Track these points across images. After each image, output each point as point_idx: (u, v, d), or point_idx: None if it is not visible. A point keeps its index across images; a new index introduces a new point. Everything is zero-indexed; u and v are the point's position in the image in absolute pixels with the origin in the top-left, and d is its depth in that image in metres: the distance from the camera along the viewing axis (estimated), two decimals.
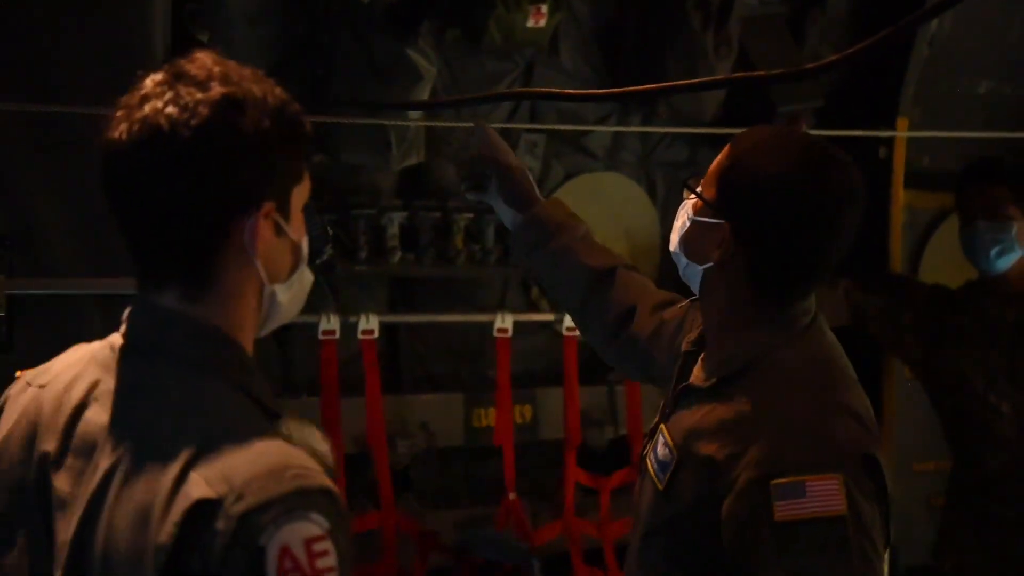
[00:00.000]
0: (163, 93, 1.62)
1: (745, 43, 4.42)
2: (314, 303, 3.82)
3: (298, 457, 1.57)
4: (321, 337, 3.81)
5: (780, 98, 4.47)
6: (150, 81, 1.66)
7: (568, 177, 4.47)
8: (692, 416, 2.24)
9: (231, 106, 1.62)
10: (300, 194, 1.73)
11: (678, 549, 2.23)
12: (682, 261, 2.33)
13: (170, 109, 1.60)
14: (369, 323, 3.89)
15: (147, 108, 1.62)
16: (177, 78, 1.64)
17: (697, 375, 2.30)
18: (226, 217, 1.64)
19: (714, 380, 2.23)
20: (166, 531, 1.51)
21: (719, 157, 2.27)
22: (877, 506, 2.11)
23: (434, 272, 4.13)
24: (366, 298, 4.14)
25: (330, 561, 1.51)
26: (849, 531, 2.03)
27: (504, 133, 4.19)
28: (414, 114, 3.89)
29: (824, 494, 2.03)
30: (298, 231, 1.74)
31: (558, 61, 4.33)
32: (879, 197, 4.63)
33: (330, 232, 3.35)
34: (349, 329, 3.88)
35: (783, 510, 2.03)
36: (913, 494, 4.76)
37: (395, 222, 4.00)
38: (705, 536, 2.14)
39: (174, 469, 1.54)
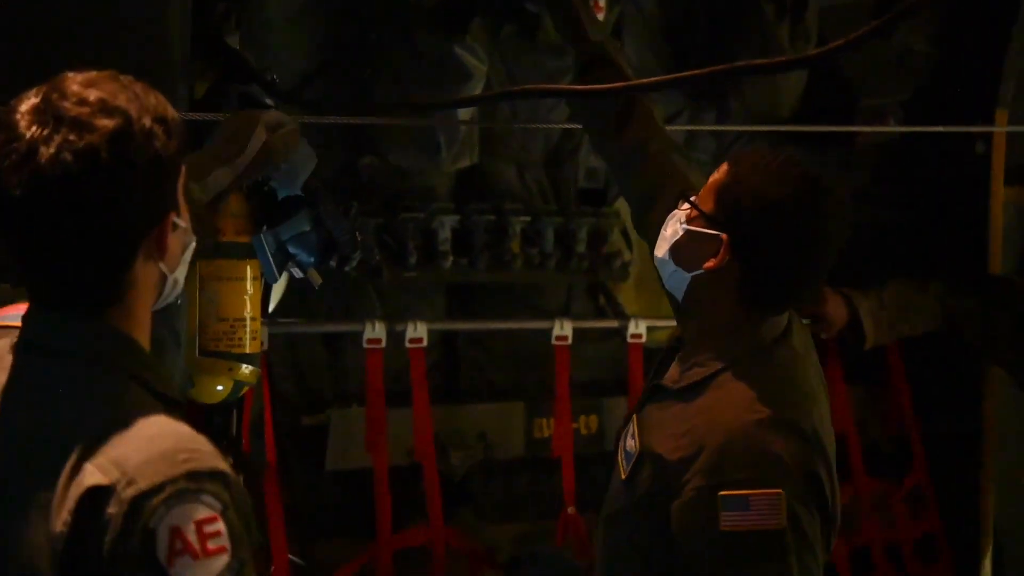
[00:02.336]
0: (49, 139, 1.63)
1: (825, 35, 4.20)
2: (361, 312, 3.84)
3: (192, 440, 1.62)
4: (366, 346, 3.69)
5: (865, 91, 4.34)
6: (31, 128, 1.65)
7: None
8: (658, 414, 2.42)
9: (119, 143, 1.65)
10: (181, 179, 1.80)
11: (636, 535, 2.41)
12: (669, 268, 2.48)
13: (65, 156, 1.62)
14: (417, 331, 3.75)
15: (38, 159, 1.63)
16: (58, 120, 1.65)
17: (671, 375, 2.46)
18: (132, 243, 1.71)
19: (682, 384, 2.40)
20: (61, 520, 1.56)
21: (718, 174, 2.43)
22: (820, 521, 2.29)
23: (490, 278, 4.05)
24: (423, 305, 4.05)
25: (222, 542, 1.56)
26: (789, 543, 2.22)
27: (567, 133, 4.19)
28: (464, 115, 3.77)
29: (766, 508, 2.21)
30: (184, 212, 1.81)
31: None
32: (976, 195, 4.39)
33: (358, 237, 3.29)
34: (400, 338, 3.77)
35: (728, 521, 2.22)
36: (1020, 510, 4.50)
37: (447, 226, 3.91)
38: (657, 527, 2.33)
39: (70, 462, 1.58)
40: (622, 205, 4.24)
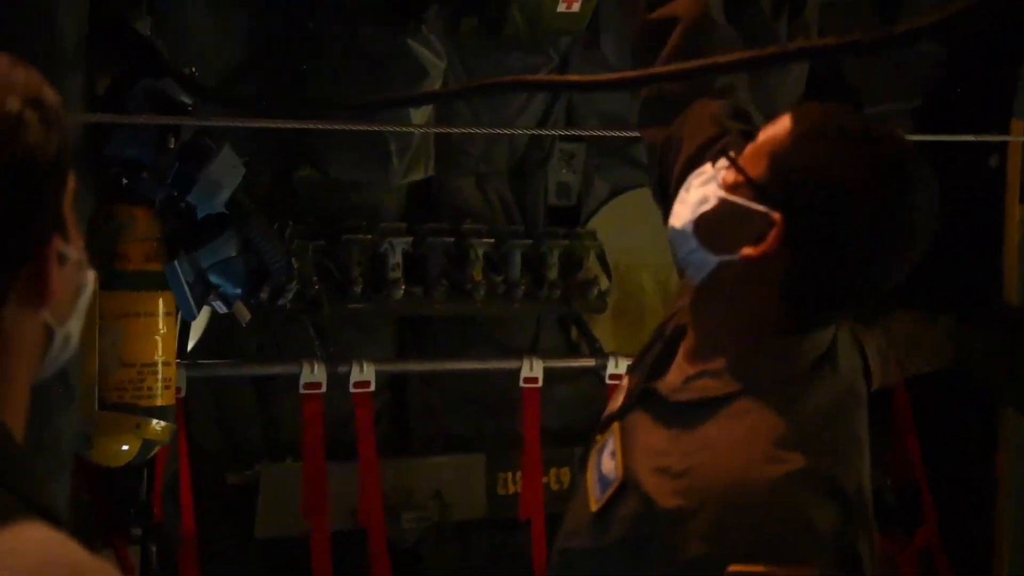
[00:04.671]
0: None
1: (825, 32, 3.93)
2: (297, 350, 3.55)
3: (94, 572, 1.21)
4: (303, 391, 3.42)
5: (869, 96, 4.07)
6: None
7: (615, 194, 4.18)
8: (648, 431, 1.95)
9: None
10: (68, 194, 1.37)
11: None
12: (690, 244, 1.96)
13: None
14: (363, 373, 3.46)
15: None
16: None
17: (671, 379, 1.97)
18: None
19: (685, 398, 1.94)
20: None
21: (773, 128, 1.91)
22: None
23: (448, 310, 3.79)
24: (369, 342, 3.76)
25: None
26: None
27: (536, 140, 3.99)
28: (418, 119, 3.42)
29: None
30: (76, 239, 1.38)
31: (599, 53, 3.87)
32: (989, 214, 4.15)
33: (294, 264, 2.97)
34: (342, 381, 3.49)
35: None
36: None
37: (397, 249, 3.62)
38: None
39: None
40: (597, 225, 4.05)
